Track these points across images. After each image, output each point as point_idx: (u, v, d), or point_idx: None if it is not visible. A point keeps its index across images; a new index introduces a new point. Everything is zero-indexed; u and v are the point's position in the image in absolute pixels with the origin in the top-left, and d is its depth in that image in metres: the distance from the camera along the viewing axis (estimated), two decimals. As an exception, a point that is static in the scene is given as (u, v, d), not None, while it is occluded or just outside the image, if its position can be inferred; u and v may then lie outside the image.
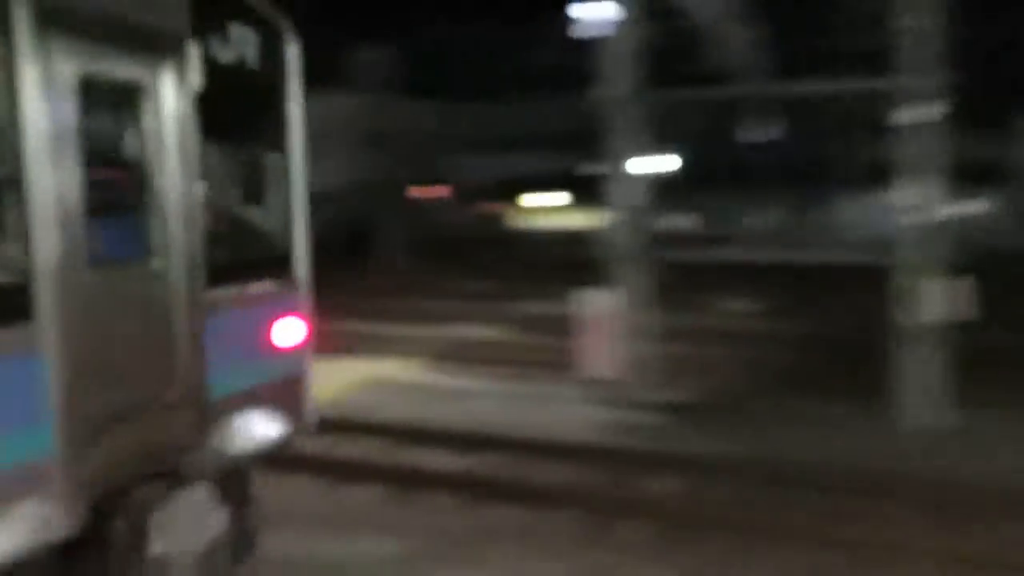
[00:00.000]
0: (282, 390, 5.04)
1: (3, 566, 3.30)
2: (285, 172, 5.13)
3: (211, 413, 4.41)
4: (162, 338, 4.21)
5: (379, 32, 30.34)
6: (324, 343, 14.89)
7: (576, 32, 11.05)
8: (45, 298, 3.48)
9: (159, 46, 4.15)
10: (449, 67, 40.53)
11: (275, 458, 8.05)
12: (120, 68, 3.98)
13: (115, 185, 4.10)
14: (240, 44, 4.65)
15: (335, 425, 9.23)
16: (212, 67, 4.36)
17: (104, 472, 3.82)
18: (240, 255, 4.79)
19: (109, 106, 4.04)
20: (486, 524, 6.77)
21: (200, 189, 4.35)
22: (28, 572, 3.45)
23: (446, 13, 36.07)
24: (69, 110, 3.67)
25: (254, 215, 5.09)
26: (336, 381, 11.67)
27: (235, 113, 4.69)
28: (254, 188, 5.04)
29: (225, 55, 4.51)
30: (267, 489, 7.56)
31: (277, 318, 4.99)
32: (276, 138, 5.07)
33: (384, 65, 30.11)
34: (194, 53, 4.26)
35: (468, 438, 8.62)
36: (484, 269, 25.14)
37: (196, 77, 4.26)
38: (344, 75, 31.69)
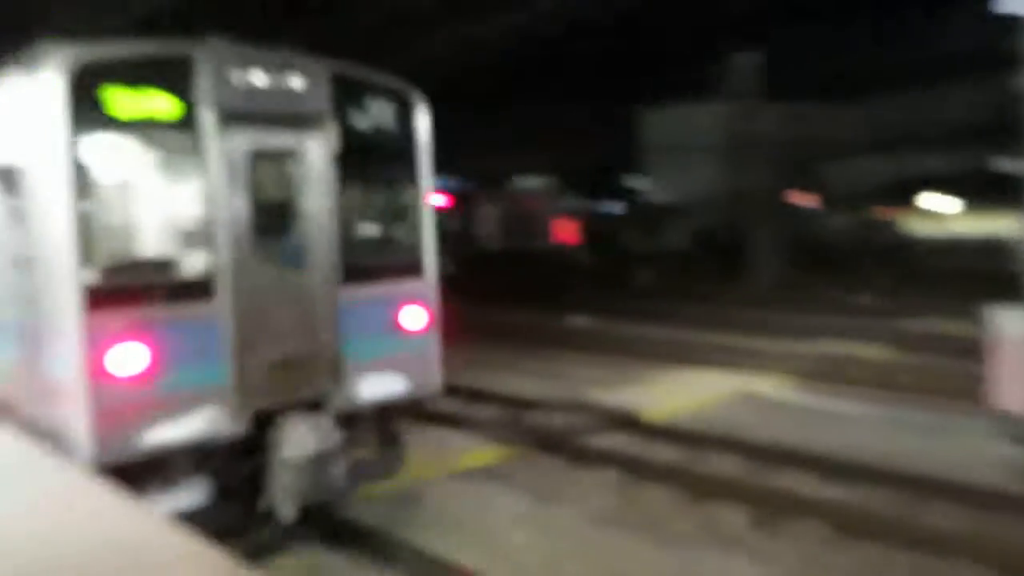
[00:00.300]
0: (407, 362, 6.74)
1: (196, 445, 5.58)
2: (414, 200, 6.95)
3: (344, 371, 6.35)
4: (307, 317, 6.20)
5: (748, 38, 29.19)
6: (687, 354, 14.55)
7: (997, 9, 9.49)
8: (224, 286, 5.72)
9: (307, 124, 6.21)
10: (824, 67, 37.99)
11: (629, 464, 8.07)
12: (278, 141, 6.11)
13: (276, 216, 6.10)
14: (374, 112, 6.62)
15: (698, 439, 8.96)
16: (353, 131, 6.42)
17: (263, 399, 5.92)
18: (372, 261, 6.64)
19: (271, 166, 6.11)
20: (866, 564, 6.08)
21: (338, 217, 6.30)
22: (215, 455, 5.71)
23: (821, 12, 33.94)
24: (242, 171, 5.88)
25: (387, 232, 6.94)
26: (701, 393, 11.38)
27: (372, 160, 6.64)
28: (388, 213, 6.94)
29: (362, 121, 6.55)
30: (628, 496, 7.57)
31: (404, 308, 6.73)
32: (406, 176, 6.90)
33: (754, 71, 28.98)
34: (334, 125, 6.30)
35: (845, 467, 7.80)
36: (868, 280, 22.91)
37: (335, 141, 6.30)
38: (712, 85, 31.20)
